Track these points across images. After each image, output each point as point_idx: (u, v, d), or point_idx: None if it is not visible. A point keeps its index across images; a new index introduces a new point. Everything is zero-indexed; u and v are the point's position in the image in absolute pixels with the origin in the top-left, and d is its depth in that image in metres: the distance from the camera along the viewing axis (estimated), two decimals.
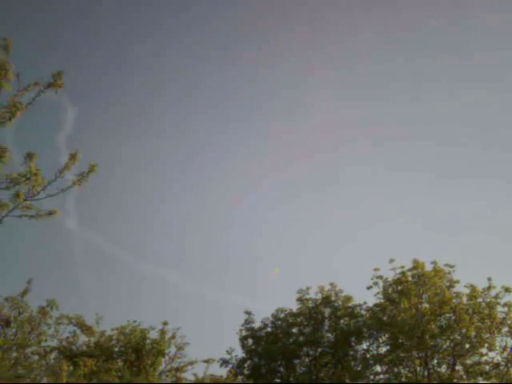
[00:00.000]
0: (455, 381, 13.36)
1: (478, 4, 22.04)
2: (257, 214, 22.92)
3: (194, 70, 23.02)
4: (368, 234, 22.77)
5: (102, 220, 21.11)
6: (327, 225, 23.41)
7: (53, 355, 13.71)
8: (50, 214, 7.99)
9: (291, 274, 21.28)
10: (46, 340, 13.43)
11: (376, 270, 14.40)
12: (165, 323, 14.48)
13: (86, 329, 13.91)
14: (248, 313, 15.46)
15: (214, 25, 22.57)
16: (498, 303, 13.57)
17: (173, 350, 14.49)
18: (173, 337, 14.64)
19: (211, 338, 18.94)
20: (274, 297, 20.95)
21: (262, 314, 15.50)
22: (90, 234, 20.34)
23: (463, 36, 23.15)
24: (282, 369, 14.94)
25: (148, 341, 14.62)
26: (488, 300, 13.61)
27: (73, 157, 8.33)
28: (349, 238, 23.20)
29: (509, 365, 13.35)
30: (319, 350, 14.78)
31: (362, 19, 22.85)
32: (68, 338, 14.08)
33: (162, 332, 14.34)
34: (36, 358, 13.20)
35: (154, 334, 14.33)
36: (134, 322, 14.60)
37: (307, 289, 15.31)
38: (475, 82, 23.47)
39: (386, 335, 14.10)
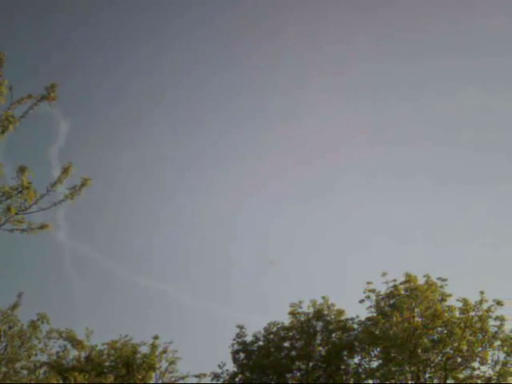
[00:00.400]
0: None
1: (478, 5, 21.96)
2: (258, 222, 22.82)
3: (191, 74, 22.91)
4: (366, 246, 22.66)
5: (96, 232, 21.07)
6: (328, 234, 23.27)
7: (42, 370, 13.64)
8: (42, 227, 7.94)
9: (290, 287, 21.23)
10: (36, 354, 13.36)
11: (368, 283, 14.38)
12: (155, 337, 14.45)
13: (77, 343, 13.86)
14: (240, 327, 15.40)
15: (215, 27, 22.53)
16: (490, 317, 13.55)
17: (164, 364, 14.52)
18: (164, 351, 14.61)
19: (203, 351, 18.86)
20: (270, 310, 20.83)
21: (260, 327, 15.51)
22: (83, 246, 20.30)
23: (464, 37, 23.04)
24: (273, 383, 14.87)
25: (138, 355, 14.60)
26: (480, 314, 13.58)
27: (65, 170, 8.29)
28: (351, 247, 23.06)
29: (500, 379, 13.33)
30: (311, 364, 14.72)
31: (360, 20, 22.75)
32: (58, 352, 14.07)
33: (153, 346, 14.31)
34: (25, 372, 13.12)
35: (145, 349, 14.36)
36: (126, 336, 14.59)
37: (299, 302, 15.26)
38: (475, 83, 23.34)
39: (378, 349, 14.04)
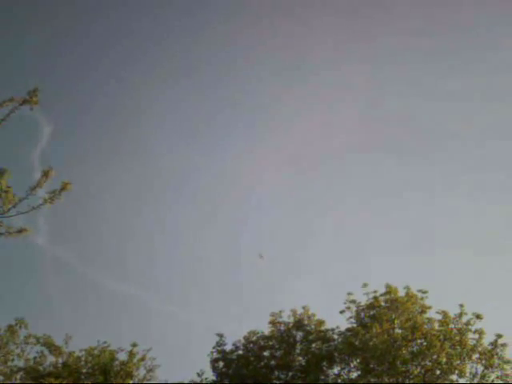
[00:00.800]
0: None
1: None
2: (230, 226, 22.77)
3: (180, 82, 22.88)
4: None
5: (76, 237, 20.93)
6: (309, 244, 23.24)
7: (19, 375, 13.54)
8: (20, 231, 7.88)
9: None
10: (12, 360, 13.26)
11: (349, 294, 14.45)
12: (133, 345, 14.34)
13: (54, 349, 13.75)
14: (220, 335, 15.31)
15: (212, 27, 22.50)
16: (469, 330, 13.61)
17: (142, 372, 14.41)
18: (142, 359, 14.53)
19: (181, 359, 18.78)
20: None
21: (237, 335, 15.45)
22: (63, 251, 20.18)
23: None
24: None
25: (116, 362, 14.49)
26: (459, 326, 13.65)
27: (45, 174, 8.25)
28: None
29: None
30: (290, 373, 14.65)
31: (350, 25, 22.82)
32: (35, 358, 13.95)
33: (131, 354, 14.21)
34: (1, 378, 13.01)
35: (123, 356, 14.26)
36: (104, 343, 14.47)
37: (280, 312, 15.23)
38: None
39: (358, 360, 14.03)
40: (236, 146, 23.58)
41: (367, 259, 21.75)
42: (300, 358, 14.81)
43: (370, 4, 23.19)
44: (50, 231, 16.79)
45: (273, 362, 14.94)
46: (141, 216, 22.36)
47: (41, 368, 13.75)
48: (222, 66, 23.17)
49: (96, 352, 14.17)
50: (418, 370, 13.70)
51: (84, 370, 14.16)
